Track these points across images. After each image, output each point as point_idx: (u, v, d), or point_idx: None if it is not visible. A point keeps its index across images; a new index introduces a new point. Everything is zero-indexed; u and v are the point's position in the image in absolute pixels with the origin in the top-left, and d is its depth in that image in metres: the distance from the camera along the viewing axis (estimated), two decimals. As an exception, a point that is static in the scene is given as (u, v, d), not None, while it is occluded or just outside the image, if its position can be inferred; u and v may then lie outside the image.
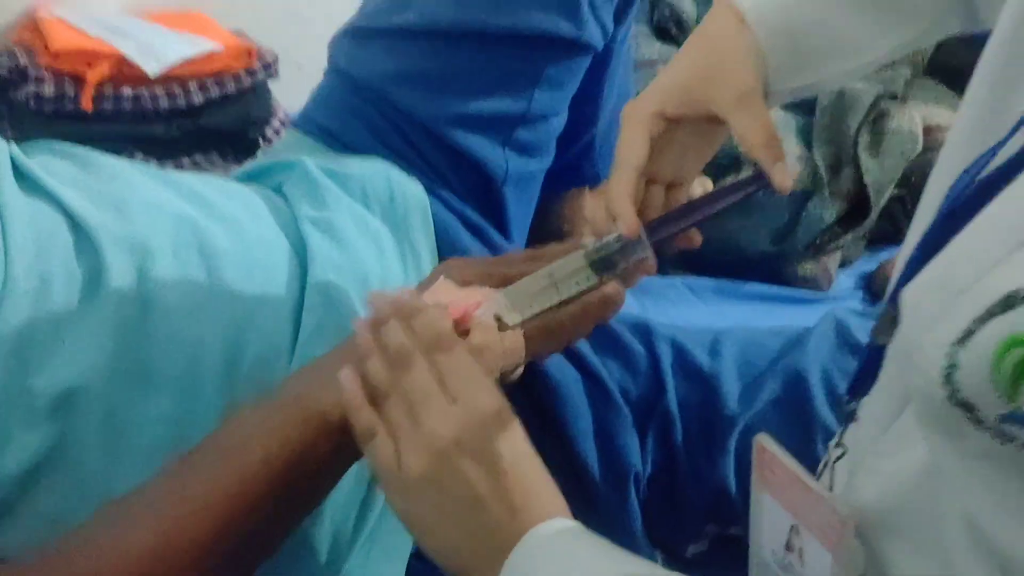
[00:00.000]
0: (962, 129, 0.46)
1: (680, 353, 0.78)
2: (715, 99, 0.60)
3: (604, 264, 0.61)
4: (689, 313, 1.10)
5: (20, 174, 0.65)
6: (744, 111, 0.59)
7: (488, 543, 0.52)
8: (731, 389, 0.74)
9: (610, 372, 0.76)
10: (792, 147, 1.32)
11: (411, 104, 0.83)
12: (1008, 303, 0.31)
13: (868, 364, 0.46)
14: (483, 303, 0.61)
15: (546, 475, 0.55)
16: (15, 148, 0.68)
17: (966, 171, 0.40)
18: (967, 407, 0.33)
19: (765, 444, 0.49)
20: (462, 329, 0.60)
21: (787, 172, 0.59)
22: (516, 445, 0.54)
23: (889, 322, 0.41)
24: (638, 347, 0.78)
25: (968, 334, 0.32)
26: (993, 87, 0.44)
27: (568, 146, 0.97)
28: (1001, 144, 0.38)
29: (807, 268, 1.25)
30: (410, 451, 0.53)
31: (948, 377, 0.33)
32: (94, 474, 0.58)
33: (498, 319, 0.61)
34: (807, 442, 0.70)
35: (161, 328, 0.61)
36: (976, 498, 0.37)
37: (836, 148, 1.32)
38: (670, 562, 0.77)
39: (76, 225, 0.63)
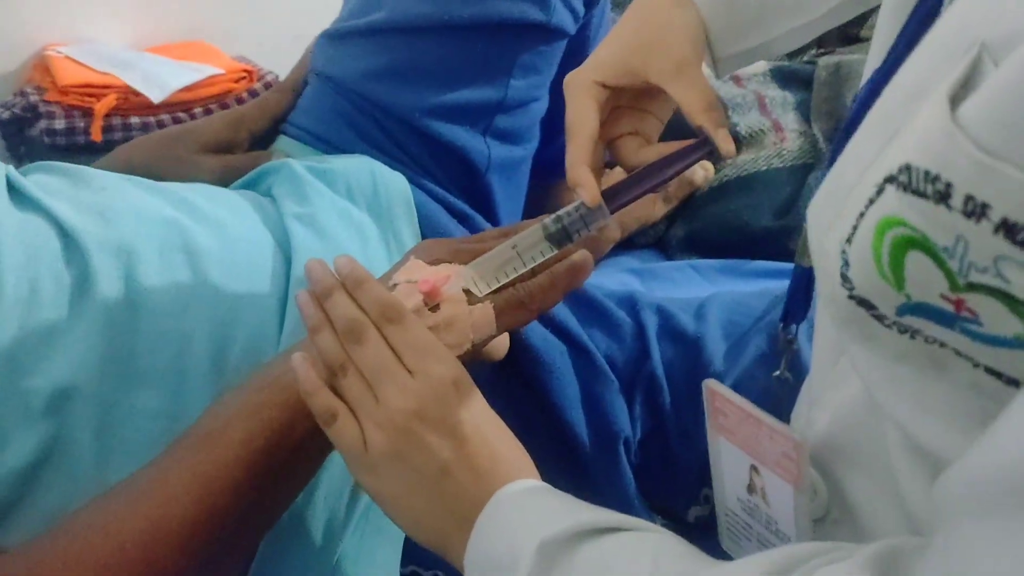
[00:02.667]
0: (874, 43, 0.46)
1: (666, 319, 0.78)
2: (653, 70, 0.61)
3: (566, 232, 0.62)
4: (693, 293, 1.10)
5: (15, 191, 0.69)
6: (682, 80, 0.60)
7: (458, 511, 0.53)
8: (716, 349, 0.75)
9: (596, 342, 0.77)
10: (792, 123, 1.32)
11: (388, 99, 0.85)
12: (880, 190, 0.31)
13: (795, 287, 0.46)
14: (451, 277, 0.62)
15: (511, 439, 0.56)
16: (11, 169, 0.71)
17: (868, 80, 0.40)
18: (867, 304, 0.34)
19: (714, 388, 0.49)
20: (432, 304, 0.62)
21: (730, 137, 0.60)
22: (477, 411, 0.55)
23: (807, 243, 0.42)
24: (624, 317, 0.79)
25: (854, 229, 0.33)
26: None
27: (556, 132, 0.98)
28: (894, 48, 0.39)
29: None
30: (373, 428, 0.54)
31: (844, 277, 0.34)
32: (89, 470, 0.60)
33: (467, 292, 0.63)
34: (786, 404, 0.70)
35: (149, 327, 0.64)
36: (902, 405, 0.37)
37: (835, 120, 1.32)
38: (673, 528, 0.77)
39: (65, 233, 0.65)
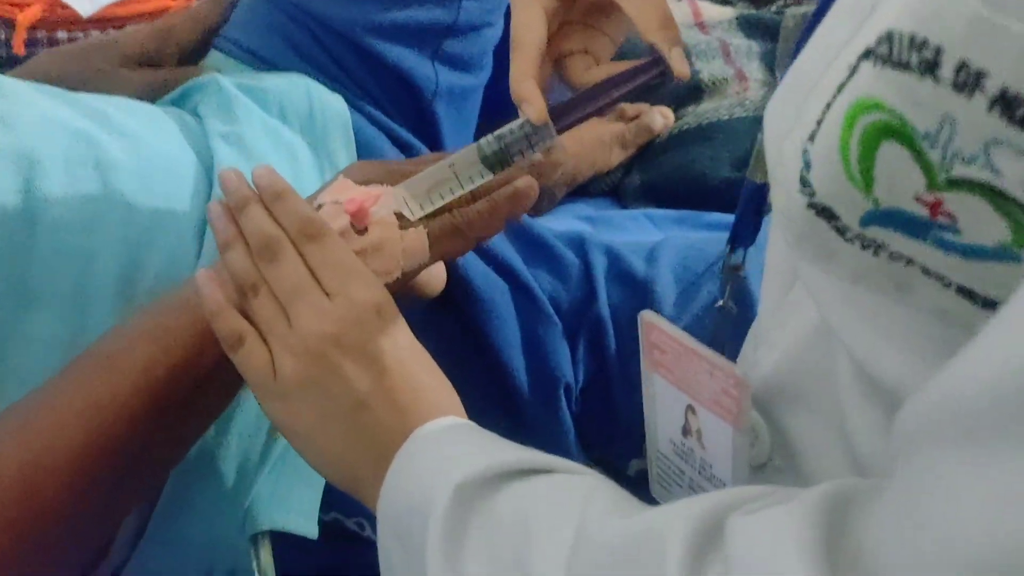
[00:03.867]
0: None
1: (615, 261, 0.74)
2: None
3: (507, 152, 0.57)
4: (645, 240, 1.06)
5: None
6: None
7: (374, 447, 0.48)
8: (667, 293, 0.71)
9: (540, 282, 0.72)
10: (756, 72, 1.28)
11: (327, 12, 0.79)
12: (852, 71, 0.27)
13: (746, 206, 0.42)
14: (381, 197, 0.57)
15: (437, 374, 0.51)
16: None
17: None
18: (827, 214, 0.30)
19: (651, 320, 0.45)
20: (360, 227, 0.57)
21: (684, 58, 0.55)
22: (400, 341, 0.50)
23: (762, 155, 0.37)
24: (571, 257, 0.74)
25: (819, 124, 0.29)
26: None
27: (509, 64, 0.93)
28: None
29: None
30: (284, 353, 0.49)
31: (804, 181, 0.30)
32: (-27, 395, 0.55)
33: (399, 216, 0.58)
34: (736, 344, 0.67)
35: (48, 244, 0.58)
36: (858, 333, 0.34)
37: (800, 71, 1.28)
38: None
39: None
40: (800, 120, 0.30)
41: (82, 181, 0.61)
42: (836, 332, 0.34)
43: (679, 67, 0.56)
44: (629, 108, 1.17)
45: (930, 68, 0.24)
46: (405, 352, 0.50)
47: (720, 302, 0.47)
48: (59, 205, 0.59)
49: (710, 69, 1.27)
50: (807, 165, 0.29)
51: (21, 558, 0.49)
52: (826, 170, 0.28)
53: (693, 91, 1.26)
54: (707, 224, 1.15)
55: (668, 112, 1.23)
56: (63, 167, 0.61)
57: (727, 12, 1.39)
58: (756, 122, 1.22)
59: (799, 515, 0.29)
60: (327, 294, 0.50)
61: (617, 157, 1.19)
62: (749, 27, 1.36)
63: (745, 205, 0.42)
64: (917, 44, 0.24)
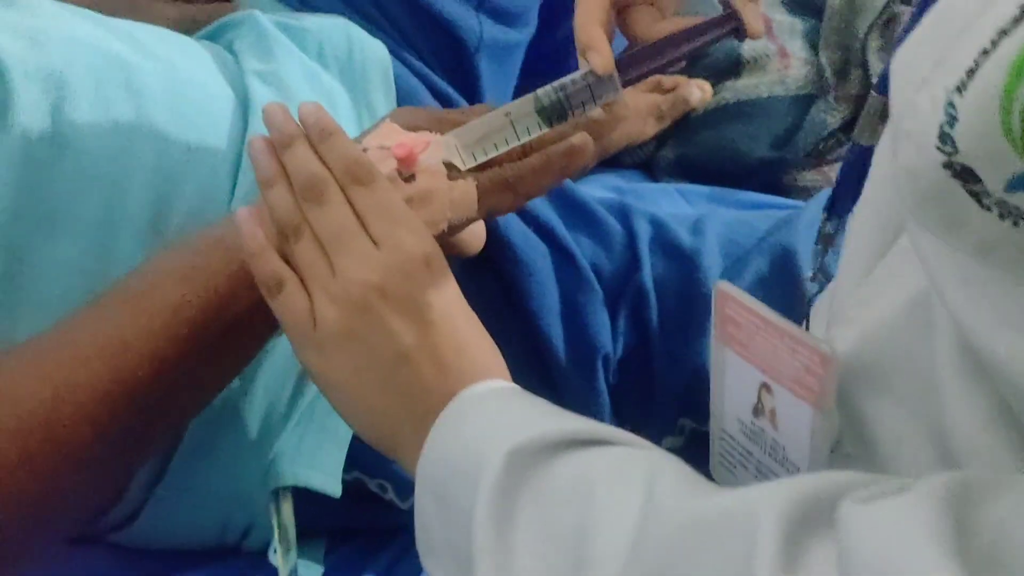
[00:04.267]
0: None
1: (660, 230, 0.71)
2: None
3: (568, 103, 0.54)
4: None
5: None
6: None
7: (415, 405, 0.46)
8: (713, 265, 0.68)
9: (582, 248, 0.69)
10: (798, 50, 1.25)
11: (374, -46, 0.76)
12: (1022, 15, 0.24)
13: (849, 170, 0.39)
14: (431, 144, 0.54)
15: (484, 335, 0.48)
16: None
17: None
18: (967, 175, 0.27)
19: (727, 290, 0.42)
20: (407, 173, 0.54)
21: (760, 15, 0.52)
22: (448, 296, 0.47)
23: (877, 115, 0.34)
24: (614, 224, 0.72)
25: (971, 73, 0.25)
26: None
27: (557, 21, 0.90)
28: None
29: (807, 177, 1.18)
30: (326, 302, 0.46)
31: (944, 137, 0.27)
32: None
33: (447, 166, 0.55)
34: (795, 322, 0.64)
35: (76, 168, 0.55)
36: (976, 314, 0.31)
37: (844, 52, 1.24)
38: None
39: None
40: (945, 68, 0.27)
41: (113, 105, 0.58)
42: (951, 311, 0.31)
43: (753, 24, 0.53)
44: (666, 80, 1.13)
45: None
46: (453, 309, 0.48)
47: (810, 273, 0.44)
48: (88, 128, 0.56)
49: (751, 44, 1.23)
50: (951, 120, 0.26)
51: (37, 494, 0.47)
52: (978, 125, 0.25)
53: (733, 66, 1.23)
54: (740, 203, 1.12)
55: (706, 86, 1.19)
56: (94, 89, 0.58)
57: (771, -13, 1.35)
58: (796, 101, 1.19)
59: (926, 507, 0.27)
60: (374, 241, 0.47)
61: (652, 129, 1.16)
62: (793, 3, 1.32)
63: (848, 170, 0.39)
64: None
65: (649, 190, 1.15)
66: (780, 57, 1.23)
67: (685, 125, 1.19)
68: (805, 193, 1.18)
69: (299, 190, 0.48)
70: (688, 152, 1.18)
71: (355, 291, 0.46)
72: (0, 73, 0.55)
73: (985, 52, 0.25)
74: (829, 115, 1.17)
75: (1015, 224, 0.27)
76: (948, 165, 0.27)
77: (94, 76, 0.58)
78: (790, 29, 1.28)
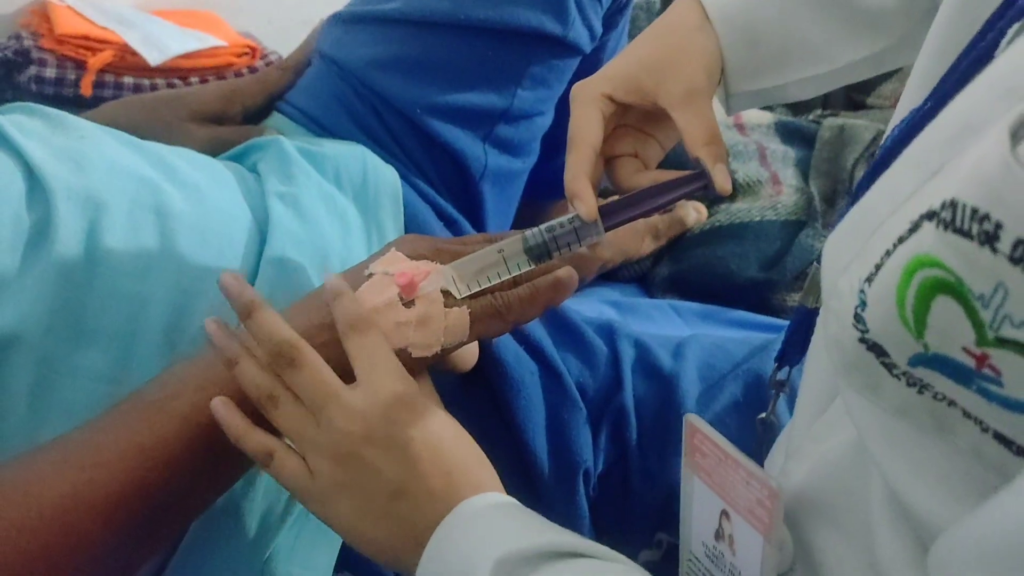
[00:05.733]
0: (910, 85, 0.45)
1: (643, 353, 0.76)
2: (662, 93, 0.59)
3: (555, 244, 0.60)
4: (670, 332, 1.08)
5: None
6: (689, 108, 0.59)
7: (414, 532, 0.50)
8: (690, 389, 0.72)
9: (569, 367, 0.74)
10: (790, 178, 1.31)
11: (391, 90, 0.83)
12: (914, 227, 0.29)
13: (796, 328, 0.44)
14: (431, 274, 0.60)
15: (472, 450, 0.53)
16: (-11, 107, 0.68)
17: (905, 118, 0.38)
18: (877, 350, 0.32)
19: (695, 423, 0.47)
20: (408, 299, 0.59)
21: (727, 174, 0.58)
22: (431, 427, 0.52)
23: (819, 283, 0.39)
24: (600, 344, 0.76)
25: (877, 268, 0.31)
26: (943, 39, 0.43)
27: (556, 151, 0.96)
28: (939, 87, 0.37)
29: (795, 298, 1.23)
30: (317, 457, 0.51)
31: (858, 318, 0.32)
32: (20, 425, 0.57)
33: (444, 293, 0.60)
34: (761, 450, 0.68)
35: (105, 284, 0.60)
36: (894, 464, 0.35)
37: (833, 180, 1.31)
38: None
39: (32, 175, 0.62)
40: (860, 260, 0.32)
41: (142, 227, 0.64)
42: (874, 459, 0.36)
43: (721, 182, 0.58)
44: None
45: (989, 239, 0.26)
46: (436, 436, 0.52)
47: (764, 414, 0.48)
48: (119, 248, 0.62)
49: (746, 170, 1.30)
50: (863, 304, 0.31)
51: None
52: (881, 313, 0.30)
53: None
54: (730, 321, 1.17)
55: (702, 208, 1.26)
56: (127, 212, 0.63)
57: (766, 116, 1.43)
58: (786, 226, 1.25)
59: None
60: (353, 384, 0.52)
61: (648, 247, 1.22)
62: (787, 133, 1.40)
63: (795, 327, 0.44)
64: (979, 217, 0.26)
65: (644, 305, 1.20)
66: (773, 184, 1.29)
67: (680, 244, 1.25)
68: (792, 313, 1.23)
69: (270, 359, 0.54)
70: (682, 269, 1.23)
71: (343, 442, 0.51)
72: (45, 194, 0.61)
73: (888, 253, 0.31)
74: (816, 241, 1.23)
75: (920, 392, 0.32)
76: (863, 340, 0.32)
77: (128, 200, 0.64)
78: (783, 157, 1.35)
